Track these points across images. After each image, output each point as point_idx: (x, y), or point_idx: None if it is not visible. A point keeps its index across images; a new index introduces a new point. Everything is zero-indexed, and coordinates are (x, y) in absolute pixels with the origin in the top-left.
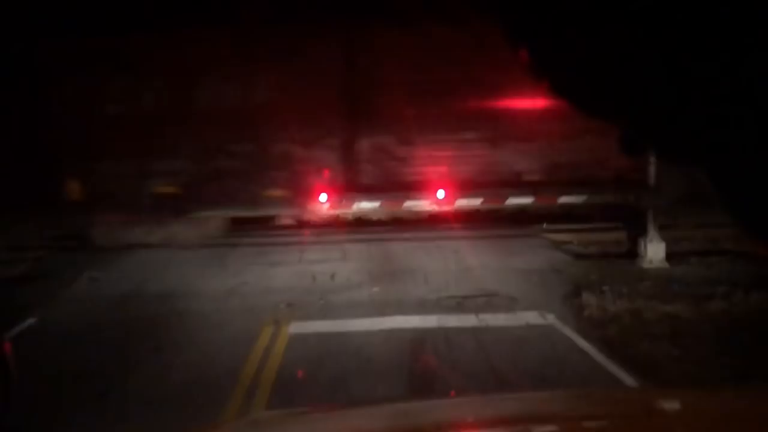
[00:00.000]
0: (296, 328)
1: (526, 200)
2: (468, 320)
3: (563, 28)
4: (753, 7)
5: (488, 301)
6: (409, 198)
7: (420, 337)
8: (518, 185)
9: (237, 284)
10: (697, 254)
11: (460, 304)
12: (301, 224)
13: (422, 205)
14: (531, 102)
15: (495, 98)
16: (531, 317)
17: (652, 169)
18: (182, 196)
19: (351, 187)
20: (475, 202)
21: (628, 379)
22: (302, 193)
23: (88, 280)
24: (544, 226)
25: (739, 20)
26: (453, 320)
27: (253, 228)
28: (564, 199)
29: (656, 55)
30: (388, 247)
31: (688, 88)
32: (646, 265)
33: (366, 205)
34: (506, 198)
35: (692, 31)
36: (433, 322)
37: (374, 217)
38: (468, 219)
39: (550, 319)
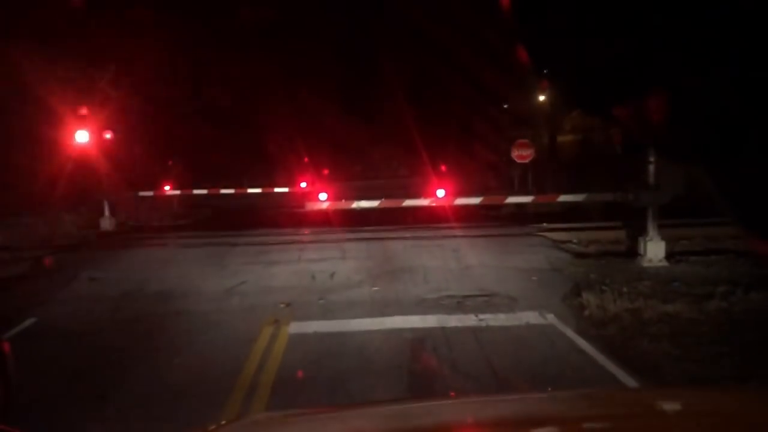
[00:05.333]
0: (296, 327)
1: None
2: (468, 320)
3: (566, 30)
4: (750, 11)
5: (488, 301)
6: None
7: (420, 336)
8: None
9: (236, 283)
10: (696, 253)
11: (459, 304)
12: None
13: (421, 203)
14: None
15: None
16: (531, 317)
17: (651, 168)
18: None
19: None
20: (474, 201)
21: (628, 379)
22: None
23: (87, 279)
24: (544, 225)
25: (739, 22)
26: (453, 320)
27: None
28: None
29: (658, 56)
30: (388, 245)
31: (690, 90)
32: (645, 264)
33: (366, 204)
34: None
35: (694, 34)
36: (433, 322)
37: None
38: None
39: (550, 318)
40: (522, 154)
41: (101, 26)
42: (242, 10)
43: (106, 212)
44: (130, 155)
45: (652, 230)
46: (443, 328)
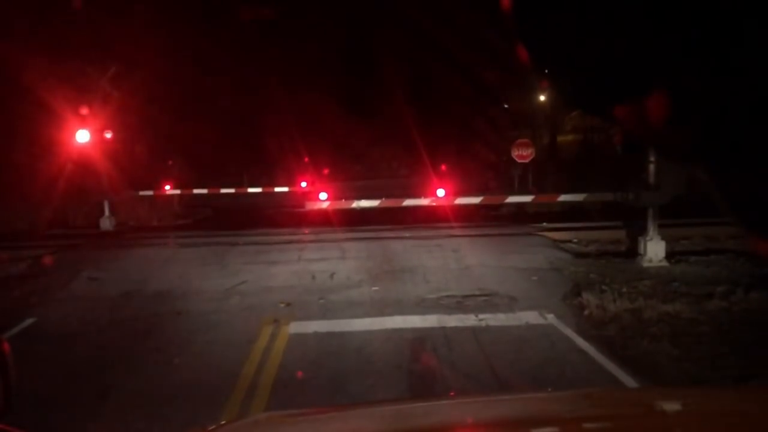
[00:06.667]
0: (296, 327)
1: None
2: (468, 320)
3: (567, 28)
4: (752, 8)
5: (488, 301)
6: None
7: (420, 336)
8: None
9: (236, 283)
10: (697, 253)
11: (459, 304)
12: None
13: (421, 202)
14: None
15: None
16: (531, 317)
17: (652, 168)
18: None
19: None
20: (475, 201)
21: (628, 379)
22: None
23: (87, 279)
24: (544, 224)
25: (740, 20)
26: (453, 320)
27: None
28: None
29: (658, 55)
30: (388, 245)
31: (689, 88)
32: (645, 263)
33: (366, 204)
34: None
35: (694, 33)
36: (433, 322)
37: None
38: None
39: (550, 318)
40: (522, 153)
41: (101, 25)
42: (242, 10)
43: (106, 212)
44: (131, 155)
45: (652, 230)
46: (443, 328)
